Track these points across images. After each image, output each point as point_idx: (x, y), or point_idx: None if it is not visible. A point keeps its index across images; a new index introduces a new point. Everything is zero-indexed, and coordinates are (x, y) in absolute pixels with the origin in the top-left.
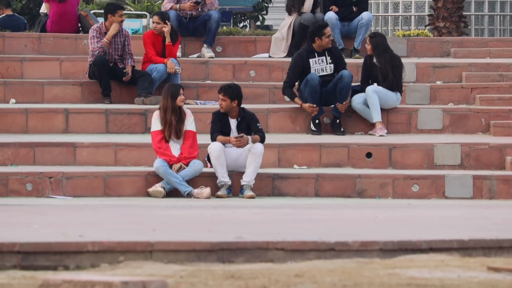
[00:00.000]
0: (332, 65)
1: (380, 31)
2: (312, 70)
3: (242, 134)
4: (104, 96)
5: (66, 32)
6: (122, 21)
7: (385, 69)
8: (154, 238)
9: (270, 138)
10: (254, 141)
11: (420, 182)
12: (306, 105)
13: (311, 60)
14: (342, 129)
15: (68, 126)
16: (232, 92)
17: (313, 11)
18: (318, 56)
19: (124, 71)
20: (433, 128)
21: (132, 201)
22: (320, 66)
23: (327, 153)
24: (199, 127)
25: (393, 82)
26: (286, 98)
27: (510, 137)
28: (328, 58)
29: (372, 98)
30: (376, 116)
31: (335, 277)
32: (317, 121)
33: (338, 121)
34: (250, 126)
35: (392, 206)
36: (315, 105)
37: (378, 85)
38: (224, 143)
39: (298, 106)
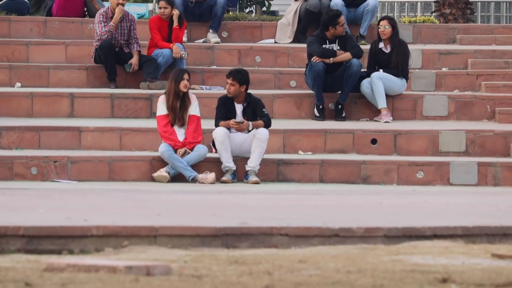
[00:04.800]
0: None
1: None
2: None
3: (243, 120)
4: (110, 81)
5: (72, 16)
6: (120, 4)
7: (396, 54)
8: (159, 223)
9: (275, 124)
10: (255, 127)
11: (424, 169)
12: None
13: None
14: (343, 115)
15: (73, 110)
16: (242, 77)
17: None
18: (329, 43)
19: (129, 62)
20: (438, 115)
21: (137, 185)
22: None
23: (332, 139)
24: (204, 112)
25: (400, 68)
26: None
27: None
28: (337, 46)
29: (377, 85)
30: (381, 102)
31: (339, 263)
32: (320, 106)
33: (340, 106)
34: (256, 111)
35: (396, 193)
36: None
37: (384, 71)
38: (228, 128)
39: (303, 92)
